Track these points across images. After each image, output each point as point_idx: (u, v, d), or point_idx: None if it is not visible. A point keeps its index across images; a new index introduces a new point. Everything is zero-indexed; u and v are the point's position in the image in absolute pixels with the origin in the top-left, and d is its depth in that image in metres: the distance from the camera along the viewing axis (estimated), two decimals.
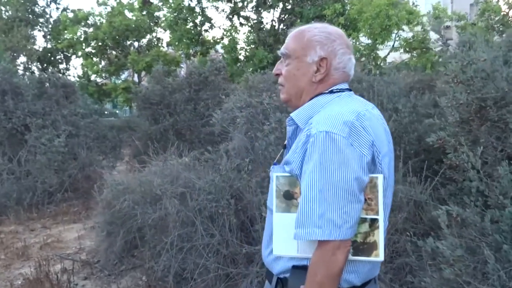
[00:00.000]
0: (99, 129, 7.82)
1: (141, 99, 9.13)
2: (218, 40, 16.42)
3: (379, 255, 1.28)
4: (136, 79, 19.03)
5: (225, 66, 9.32)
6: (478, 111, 3.29)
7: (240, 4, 15.11)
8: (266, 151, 4.04)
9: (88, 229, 5.19)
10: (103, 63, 18.59)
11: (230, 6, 15.51)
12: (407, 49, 12.39)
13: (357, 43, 12.44)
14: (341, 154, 1.21)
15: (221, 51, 16.34)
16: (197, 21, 15.72)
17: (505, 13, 11.53)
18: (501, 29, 10.77)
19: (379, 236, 1.27)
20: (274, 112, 4.34)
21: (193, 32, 15.51)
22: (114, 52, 18.43)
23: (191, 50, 15.98)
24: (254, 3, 14.72)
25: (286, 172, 1.34)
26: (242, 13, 15.57)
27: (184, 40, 15.28)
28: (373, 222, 1.28)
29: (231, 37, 14.84)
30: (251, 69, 13.51)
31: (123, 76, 19.71)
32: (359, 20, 11.95)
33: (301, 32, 1.44)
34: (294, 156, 1.32)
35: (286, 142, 1.51)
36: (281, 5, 14.28)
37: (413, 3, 12.92)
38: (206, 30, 16.12)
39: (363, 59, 12.49)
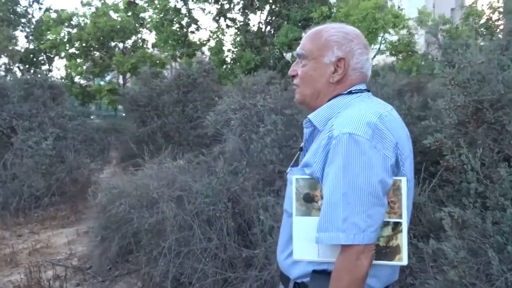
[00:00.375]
0: (86, 131, 7.68)
1: (129, 101, 9.01)
2: (204, 42, 16.38)
3: (403, 259, 1.26)
4: (121, 80, 18.82)
5: (214, 68, 9.27)
6: (475, 113, 3.31)
7: (226, 6, 15.10)
8: (261, 153, 4.01)
9: (78, 234, 5.07)
10: (87, 64, 18.33)
11: (216, 8, 15.49)
12: (393, 52, 12.56)
13: None
14: (365, 156, 1.19)
15: (208, 53, 16.30)
16: (183, 22, 15.65)
17: (488, 17, 11.77)
18: (484, 33, 10.98)
19: (403, 240, 1.25)
20: (268, 114, 4.31)
21: (179, 33, 15.43)
22: (98, 53, 18.20)
23: (177, 52, 15.89)
24: (240, 5, 14.73)
25: (306, 174, 1.31)
26: (228, 15, 15.56)
27: (170, 42, 15.18)
28: (396, 225, 1.26)
29: (217, 39, 14.80)
30: (238, 71, 13.52)
31: (107, 78, 19.47)
32: (346, 23, 12.04)
33: (317, 32, 1.41)
34: (314, 158, 1.28)
35: (302, 144, 1.48)
36: (268, 7, 14.32)
37: (399, 7, 13.09)
38: (192, 32, 16.06)
39: None
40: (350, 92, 1.37)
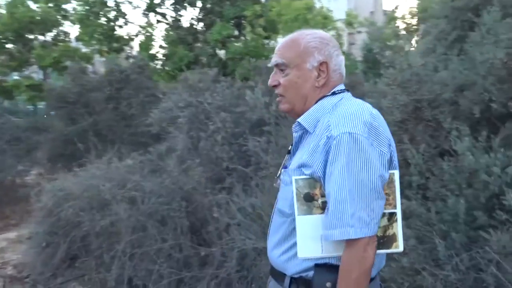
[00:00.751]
0: (12, 130, 7.11)
1: (55, 97, 8.50)
2: (132, 37, 15.82)
3: (399, 246, 1.36)
4: (41, 75, 17.58)
5: (148, 64, 9.01)
6: (414, 112, 3.59)
7: (157, 1, 14.69)
8: (212, 151, 4.01)
9: (11, 241, 4.70)
10: (2, 57, 16.86)
11: (146, 2, 15.02)
12: None
13: (276, 45, 12.80)
14: (365, 154, 1.26)
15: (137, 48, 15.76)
16: (111, 16, 14.99)
17: (409, 22, 12.67)
18: (406, 37, 11.80)
19: (398, 228, 1.35)
20: (216, 112, 4.31)
21: (106, 27, 14.75)
22: (15, 46, 16.82)
23: (104, 47, 15.18)
24: (172, 0, 14.41)
25: (304, 174, 1.35)
26: (158, 10, 15.16)
27: (97, 36, 14.48)
28: (391, 215, 1.35)
29: (149, 34, 14.37)
30: (169, 67, 13.23)
31: (26, 73, 18.07)
32: (278, 22, 12.31)
33: (294, 40, 1.45)
34: (313, 158, 1.32)
35: (290, 147, 1.52)
36: (200, 4, 14.15)
37: (327, 9, 13.60)
38: (120, 26, 15.42)
39: None
40: (334, 93, 1.43)
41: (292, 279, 1.40)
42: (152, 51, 14.52)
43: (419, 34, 11.45)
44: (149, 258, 3.21)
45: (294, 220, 1.39)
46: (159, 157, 4.34)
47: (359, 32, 13.72)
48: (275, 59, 1.46)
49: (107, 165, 3.55)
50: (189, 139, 4.35)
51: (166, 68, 13.28)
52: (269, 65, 1.52)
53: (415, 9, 12.28)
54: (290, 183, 1.38)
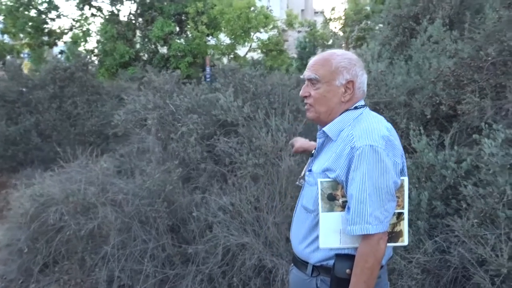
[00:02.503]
0: None
1: None
2: (66, 31, 15.13)
3: (404, 240, 1.64)
4: None
5: (93, 61, 8.75)
6: None
7: None
8: (185, 152, 4.12)
9: None
10: None
11: None
12: (264, 50, 13.39)
13: (219, 42, 12.92)
14: (383, 163, 1.51)
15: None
16: (42, 8, 14.22)
17: (342, 24, 13.41)
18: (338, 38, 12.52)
19: (404, 226, 1.63)
20: (185, 114, 4.42)
21: (37, 20, 13.97)
22: None
23: (34, 40, 14.36)
24: None
25: (328, 178, 1.59)
26: (94, 3, 14.63)
27: (27, 29, 13.68)
28: (400, 215, 1.62)
29: (86, 28, 13.81)
30: (108, 64, 12.87)
31: None
32: (221, 20, 12.43)
33: (326, 59, 1.67)
34: (337, 165, 1.56)
35: (314, 151, 1.75)
36: None
37: (268, 8, 13.96)
38: (52, 19, 14.68)
39: (224, 58, 13.04)
40: (356, 108, 1.68)
41: (314, 267, 1.65)
42: (88, 46, 14.03)
43: (353, 35, 12.21)
44: (134, 258, 3.28)
45: (316, 215, 1.63)
46: (129, 158, 4.37)
47: (299, 31, 14.26)
48: (309, 73, 1.68)
49: (83, 168, 3.54)
50: (158, 141, 4.42)
51: (105, 64, 12.87)
52: (302, 76, 1.72)
53: (350, 11, 13.03)
54: (315, 184, 1.63)
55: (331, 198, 1.60)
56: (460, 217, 2.64)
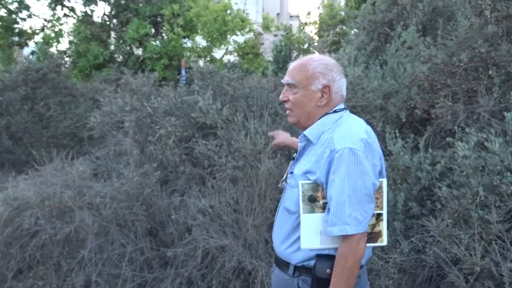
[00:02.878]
0: None
1: None
2: (37, 31, 14.79)
3: (384, 240, 1.69)
4: None
5: (66, 62, 8.59)
6: None
7: None
8: (163, 155, 4.09)
9: None
10: None
11: None
12: (240, 53, 13.43)
13: (195, 45, 12.88)
14: (361, 165, 1.55)
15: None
16: (12, 7, 13.86)
17: (318, 28, 13.57)
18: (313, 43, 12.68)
19: (383, 226, 1.67)
20: (163, 116, 4.39)
21: (6, 20, 13.61)
22: None
23: (5, 41, 13.97)
24: None
25: (309, 180, 1.62)
26: (66, 3, 14.36)
27: None
28: (379, 216, 1.66)
29: (57, 28, 13.52)
30: (82, 65, 12.64)
31: None
32: (197, 23, 12.40)
33: (303, 65, 1.70)
34: (317, 167, 1.59)
35: (296, 155, 1.78)
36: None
37: (244, 11, 14.02)
38: (23, 19, 14.32)
39: (200, 61, 13.00)
40: (335, 111, 1.71)
41: (296, 267, 1.68)
42: (61, 47, 13.75)
43: (329, 40, 12.37)
44: (111, 262, 3.24)
45: (298, 217, 1.66)
46: (106, 161, 4.31)
47: (275, 35, 14.36)
48: (287, 78, 1.71)
49: (59, 172, 3.47)
50: (135, 143, 4.38)
51: (78, 65, 12.64)
52: (282, 81, 1.75)
53: (325, 16, 13.20)
54: (296, 186, 1.65)
55: (311, 199, 1.62)
56: (435, 217, 2.72)
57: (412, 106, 3.71)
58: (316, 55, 1.78)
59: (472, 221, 2.47)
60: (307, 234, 1.63)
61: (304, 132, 1.70)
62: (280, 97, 1.75)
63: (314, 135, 1.67)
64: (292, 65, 1.74)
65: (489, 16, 3.21)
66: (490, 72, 3.18)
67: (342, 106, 1.75)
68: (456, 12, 3.86)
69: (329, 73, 1.69)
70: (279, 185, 1.89)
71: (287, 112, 1.75)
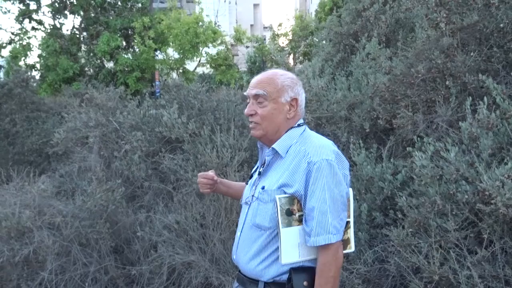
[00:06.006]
0: None
1: None
2: (4, 45, 14.46)
3: (352, 247, 1.72)
4: None
5: (34, 77, 8.43)
6: (315, 128, 4.06)
7: (33, 7, 13.66)
8: (129, 170, 4.03)
9: None
10: None
11: (19, 8, 13.86)
12: (213, 65, 13.44)
13: (167, 57, 12.81)
14: (337, 176, 1.58)
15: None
16: None
17: (290, 39, 13.73)
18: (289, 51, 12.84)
19: (351, 234, 1.70)
20: (128, 131, 4.34)
21: None
22: None
23: None
24: (50, 8, 13.50)
25: (286, 193, 1.61)
26: (35, 16, 14.11)
27: None
28: (347, 223, 1.67)
29: (25, 42, 13.25)
30: (51, 79, 12.41)
31: None
32: (168, 35, 12.36)
33: (271, 78, 1.71)
34: (294, 180, 1.60)
35: (261, 169, 1.77)
36: (82, 12, 13.49)
37: (216, 23, 14.06)
38: None
39: (173, 73, 12.94)
40: (299, 125, 1.73)
41: (266, 284, 1.65)
42: (29, 61, 13.48)
43: (300, 51, 12.56)
44: (74, 283, 3.15)
45: (272, 232, 1.64)
46: (70, 178, 4.22)
47: (247, 47, 14.44)
48: (257, 90, 1.69)
49: (19, 191, 3.37)
50: (101, 159, 4.30)
51: (48, 79, 12.40)
52: (246, 93, 1.74)
53: (296, 27, 13.38)
54: (270, 201, 1.64)
55: (288, 213, 1.62)
56: (397, 227, 2.76)
57: (375, 116, 3.77)
58: (280, 70, 1.78)
59: (431, 230, 2.51)
60: (287, 249, 1.61)
61: (273, 146, 1.69)
62: (246, 110, 1.73)
63: (282, 149, 1.68)
64: (257, 78, 1.74)
65: (444, 29, 3.31)
66: (447, 83, 3.27)
67: (302, 120, 1.77)
68: (415, 24, 3.96)
69: (295, 86, 1.72)
70: (241, 203, 1.85)
71: (252, 125, 1.73)
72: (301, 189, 1.59)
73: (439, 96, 3.32)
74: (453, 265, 2.36)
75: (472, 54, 3.22)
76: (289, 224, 1.62)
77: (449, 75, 3.30)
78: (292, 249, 1.61)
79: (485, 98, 2.67)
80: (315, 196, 1.56)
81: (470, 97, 2.83)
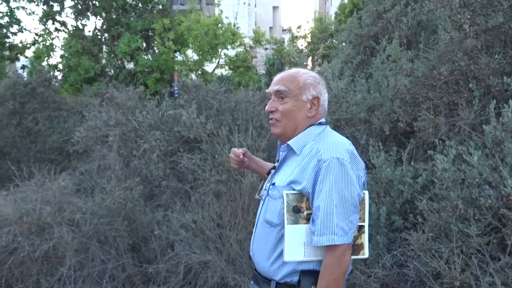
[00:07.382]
0: None
1: None
2: (28, 46, 14.79)
3: (365, 253, 1.66)
4: None
5: (56, 77, 8.58)
6: (333, 129, 4.01)
7: (57, 8, 13.93)
8: (147, 169, 4.06)
9: None
10: None
11: (43, 9, 14.15)
12: (231, 66, 13.49)
13: (186, 58, 12.93)
14: (348, 176, 1.54)
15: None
16: (3, 22, 13.87)
17: (309, 41, 13.69)
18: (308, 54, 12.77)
19: (365, 239, 1.65)
20: (147, 130, 4.37)
21: None
22: None
23: None
24: (73, 10, 13.74)
25: (294, 190, 1.59)
26: (58, 18, 14.39)
27: None
28: (361, 228, 1.64)
29: (49, 43, 13.50)
30: (72, 79, 12.62)
31: None
32: (188, 36, 12.46)
33: (294, 76, 1.70)
34: (303, 177, 1.57)
35: (276, 164, 1.76)
36: (104, 14, 13.69)
37: (235, 25, 14.10)
38: (14, 33, 14.33)
39: (192, 74, 13.05)
40: (320, 124, 1.71)
41: (278, 284, 1.64)
42: (52, 61, 13.74)
43: (319, 53, 12.50)
44: (92, 279, 3.19)
45: (281, 229, 1.62)
46: (90, 176, 4.27)
47: (266, 49, 14.45)
48: (278, 86, 1.68)
49: (40, 187, 3.42)
50: (120, 158, 4.35)
51: (69, 79, 12.61)
52: (268, 90, 1.74)
53: (315, 30, 13.33)
54: (279, 198, 1.62)
55: (296, 210, 1.59)
56: (417, 231, 2.71)
57: (395, 119, 3.72)
58: (302, 69, 1.77)
59: (452, 235, 2.46)
60: (291, 246, 1.58)
61: (289, 142, 1.68)
62: (267, 107, 1.73)
63: (298, 146, 1.66)
64: (280, 76, 1.73)
65: (468, 30, 3.24)
66: (470, 85, 3.20)
67: (324, 120, 1.75)
68: (438, 26, 3.89)
69: (317, 85, 1.70)
70: (256, 197, 1.85)
71: (272, 121, 1.73)
72: (309, 187, 1.56)
73: (462, 99, 3.25)
74: (475, 271, 2.31)
75: (496, 56, 3.15)
76: (295, 222, 1.59)
77: (472, 77, 3.23)
78: (297, 247, 1.58)
79: (509, 101, 2.61)
80: (322, 195, 1.53)
81: (494, 100, 2.77)
